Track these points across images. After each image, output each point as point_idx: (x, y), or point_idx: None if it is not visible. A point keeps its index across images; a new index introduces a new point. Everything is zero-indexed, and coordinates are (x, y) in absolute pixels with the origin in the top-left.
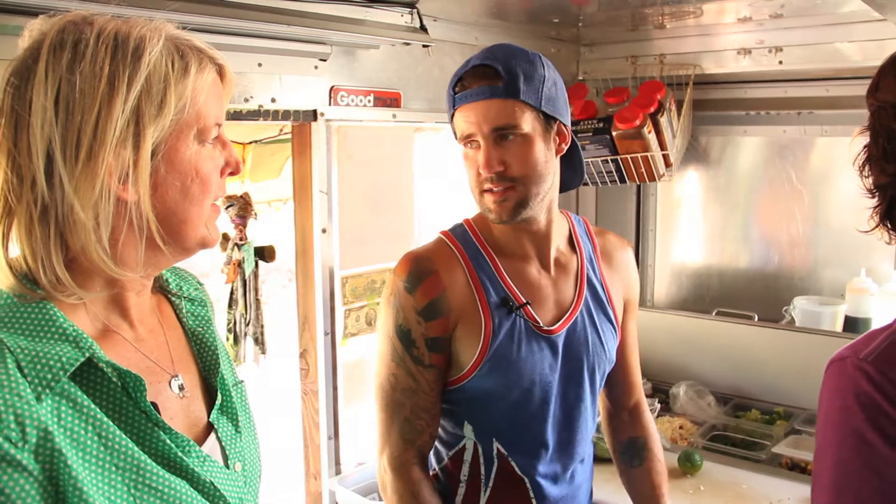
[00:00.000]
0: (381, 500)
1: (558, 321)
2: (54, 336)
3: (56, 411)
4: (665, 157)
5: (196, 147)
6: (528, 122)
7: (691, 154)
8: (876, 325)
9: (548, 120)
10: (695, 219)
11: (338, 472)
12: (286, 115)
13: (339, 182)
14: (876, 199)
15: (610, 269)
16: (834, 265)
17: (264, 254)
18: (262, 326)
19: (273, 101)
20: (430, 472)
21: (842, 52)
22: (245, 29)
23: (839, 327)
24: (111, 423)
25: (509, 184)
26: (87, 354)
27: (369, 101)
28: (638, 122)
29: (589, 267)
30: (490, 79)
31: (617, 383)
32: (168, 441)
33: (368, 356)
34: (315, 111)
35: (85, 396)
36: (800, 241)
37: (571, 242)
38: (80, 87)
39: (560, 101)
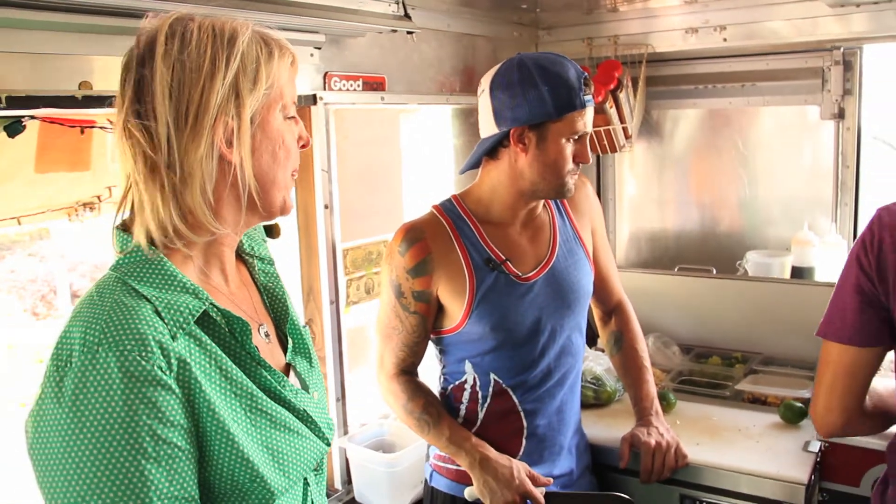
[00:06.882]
0: (385, 452)
1: (534, 270)
2: (177, 288)
3: (188, 348)
4: (624, 130)
5: (281, 119)
6: None
7: (646, 126)
8: (819, 273)
9: None
10: (651, 186)
11: (345, 433)
12: None
13: (337, 161)
14: None
15: (576, 208)
16: (779, 221)
17: (271, 231)
18: None
19: None
20: (437, 393)
21: (779, 30)
22: (248, 20)
23: (787, 276)
24: (228, 358)
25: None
26: (207, 304)
27: (358, 86)
28: (601, 98)
29: (558, 217)
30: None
31: (598, 292)
32: (269, 377)
33: (369, 323)
34: (315, 96)
35: (207, 337)
36: (748, 201)
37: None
38: (189, 67)
39: None
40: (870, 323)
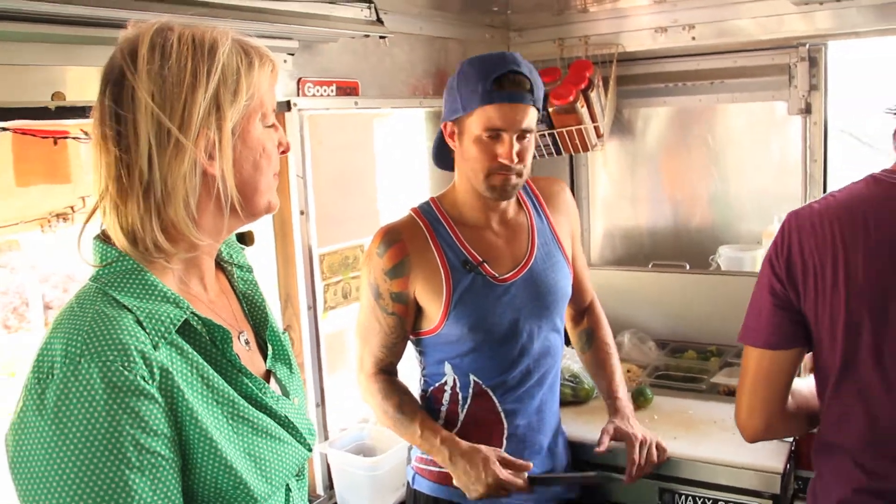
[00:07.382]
0: (366, 456)
1: (512, 271)
2: (158, 298)
3: (170, 357)
4: (596, 129)
5: (261, 128)
6: (535, 125)
7: (617, 125)
8: None
9: None
10: (624, 184)
11: (326, 438)
12: None
13: (312, 167)
14: None
15: (555, 211)
16: (750, 216)
17: (245, 239)
18: None
19: None
20: (419, 395)
21: (745, 28)
22: (221, 27)
23: (758, 269)
24: (209, 366)
25: (516, 172)
26: (187, 313)
27: (332, 91)
28: (572, 98)
29: (537, 219)
30: (524, 86)
31: (573, 293)
32: (250, 384)
33: (347, 327)
34: (289, 102)
35: (188, 346)
36: (719, 196)
37: (518, 201)
38: (170, 82)
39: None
40: (783, 326)
